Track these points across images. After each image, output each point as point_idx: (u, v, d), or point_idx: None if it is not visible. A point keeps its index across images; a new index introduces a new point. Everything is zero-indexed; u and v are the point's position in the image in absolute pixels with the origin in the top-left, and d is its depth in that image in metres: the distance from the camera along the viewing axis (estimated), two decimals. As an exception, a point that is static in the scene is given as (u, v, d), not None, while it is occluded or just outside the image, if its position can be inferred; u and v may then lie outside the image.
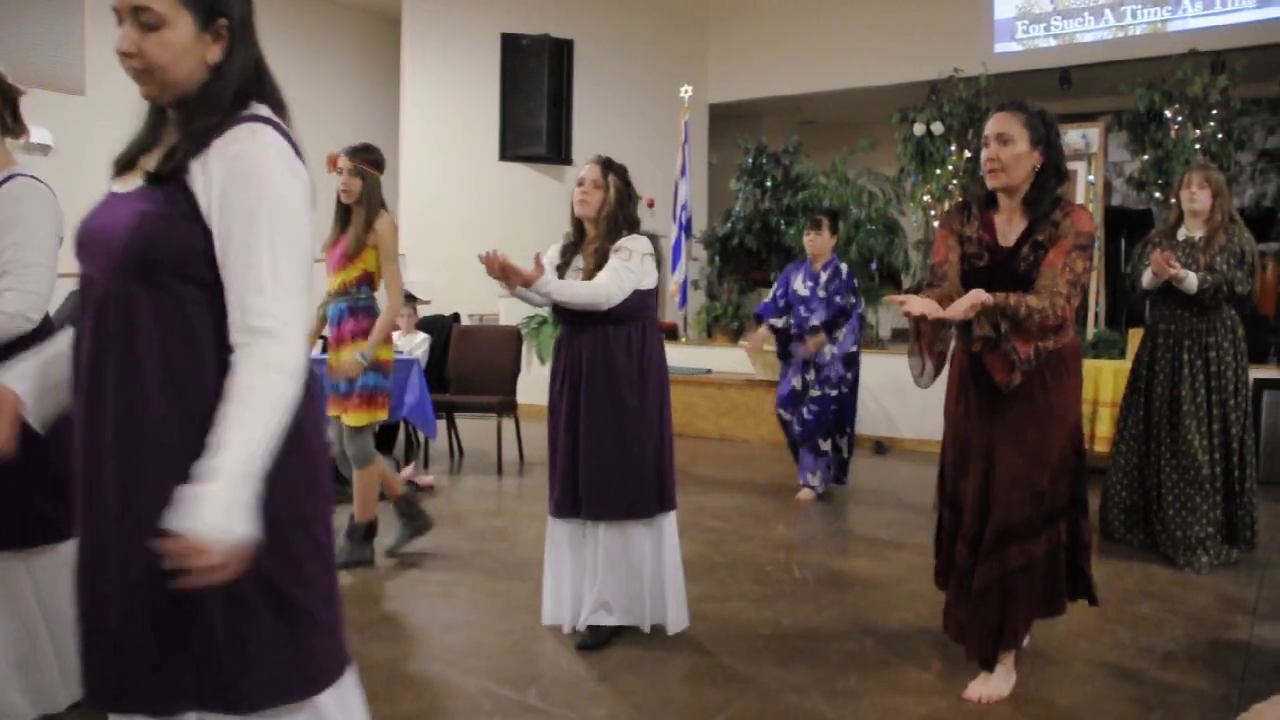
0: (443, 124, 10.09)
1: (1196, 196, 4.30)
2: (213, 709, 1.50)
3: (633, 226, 3.28)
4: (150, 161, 1.48)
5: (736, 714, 2.83)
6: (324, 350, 4.27)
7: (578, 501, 3.24)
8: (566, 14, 10.11)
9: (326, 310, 4.17)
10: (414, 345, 6.62)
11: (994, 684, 2.94)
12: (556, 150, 10.05)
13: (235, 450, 1.35)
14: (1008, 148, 2.74)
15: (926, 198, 8.25)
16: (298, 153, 1.52)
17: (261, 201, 1.43)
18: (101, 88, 8.57)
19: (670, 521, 3.35)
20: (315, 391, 1.61)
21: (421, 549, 4.53)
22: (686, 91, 9.07)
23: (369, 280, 4.08)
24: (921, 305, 2.65)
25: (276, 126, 1.50)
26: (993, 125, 2.78)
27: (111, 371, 1.44)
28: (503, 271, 2.92)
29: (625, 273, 3.16)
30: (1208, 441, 4.26)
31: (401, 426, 6.61)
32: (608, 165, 3.33)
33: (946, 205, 8.05)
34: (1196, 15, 8.18)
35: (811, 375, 5.59)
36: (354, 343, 4.06)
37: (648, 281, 3.26)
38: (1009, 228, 2.84)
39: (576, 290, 3.13)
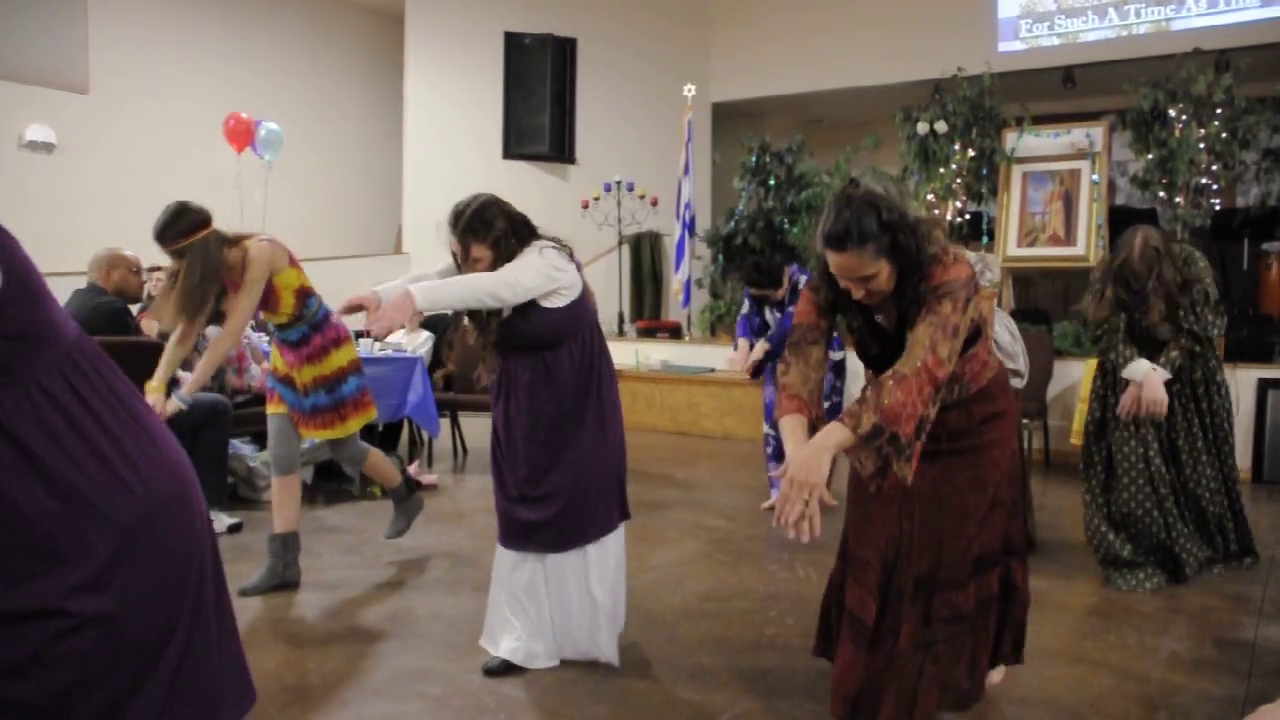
0: (446, 123, 10.10)
1: (1140, 274, 3.98)
2: None
3: (526, 238, 3.01)
4: None
5: (740, 714, 2.83)
6: (272, 377, 4.08)
7: (525, 533, 3.05)
8: (569, 13, 10.11)
9: (278, 338, 3.97)
10: (417, 344, 6.62)
11: None
12: (560, 149, 10.07)
13: None
14: (872, 282, 2.35)
15: (930, 197, 8.23)
16: None
17: None
18: (104, 86, 8.59)
19: (615, 539, 3.15)
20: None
21: (425, 547, 4.54)
22: (690, 90, 9.06)
23: (308, 293, 3.88)
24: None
25: None
26: (844, 269, 2.34)
27: None
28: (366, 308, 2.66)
29: (523, 267, 2.88)
30: (1211, 471, 4.11)
31: (405, 425, 6.62)
32: (472, 227, 2.94)
33: (950, 204, 8.05)
34: (1200, 14, 8.18)
35: None
36: (329, 355, 3.93)
37: (561, 297, 2.96)
38: (888, 314, 2.50)
39: (460, 285, 2.77)
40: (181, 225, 3.54)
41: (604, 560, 3.10)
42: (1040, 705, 2.90)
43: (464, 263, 2.96)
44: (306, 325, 3.89)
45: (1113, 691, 3.00)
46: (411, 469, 5.83)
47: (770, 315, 5.45)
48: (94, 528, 1.43)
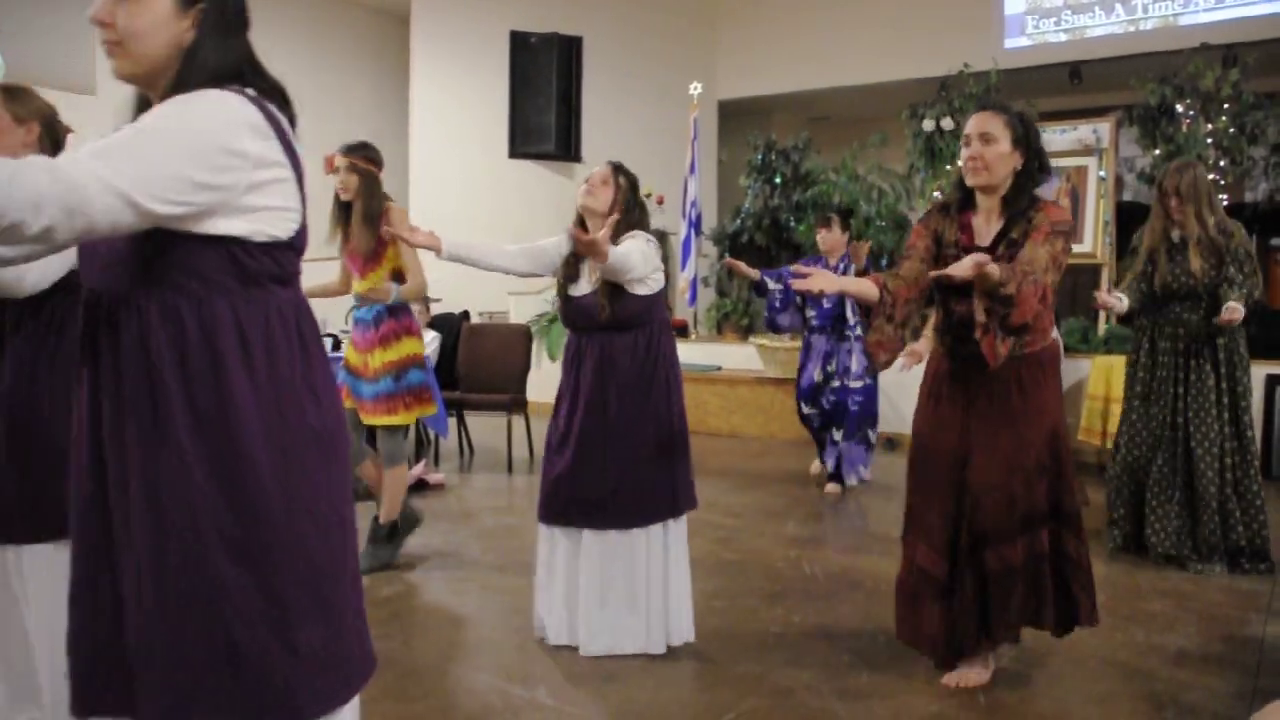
0: (452, 122, 10.10)
1: (1174, 210, 4.15)
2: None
3: (639, 226, 3.24)
4: None
5: (747, 712, 2.83)
6: (335, 348, 4.29)
7: (568, 508, 3.18)
8: (575, 11, 10.10)
9: (355, 313, 4.21)
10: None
11: (971, 673, 2.95)
12: (565, 147, 10.05)
13: None
14: (990, 147, 2.75)
15: (936, 194, 8.22)
16: (270, 121, 1.47)
17: (147, 117, 1.39)
18: (112, 88, 8.60)
19: (679, 528, 3.27)
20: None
21: (431, 546, 4.54)
22: (696, 88, 9.05)
23: (400, 278, 4.10)
24: (824, 281, 2.72)
25: (244, 95, 1.45)
26: (974, 124, 2.78)
27: (129, 385, 1.43)
28: None
29: (648, 249, 3.13)
30: (1213, 450, 4.17)
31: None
32: (618, 168, 3.28)
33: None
34: (1208, 9, 8.14)
35: (832, 367, 5.72)
36: (399, 341, 4.12)
37: (652, 284, 3.20)
38: (986, 228, 2.84)
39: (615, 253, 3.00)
40: (372, 152, 4.04)
41: (638, 549, 3.18)
42: (1047, 701, 2.90)
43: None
44: (385, 306, 4.10)
45: (1120, 689, 3.00)
46: (418, 469, 5.85)
47: (809, 307, 5.71)
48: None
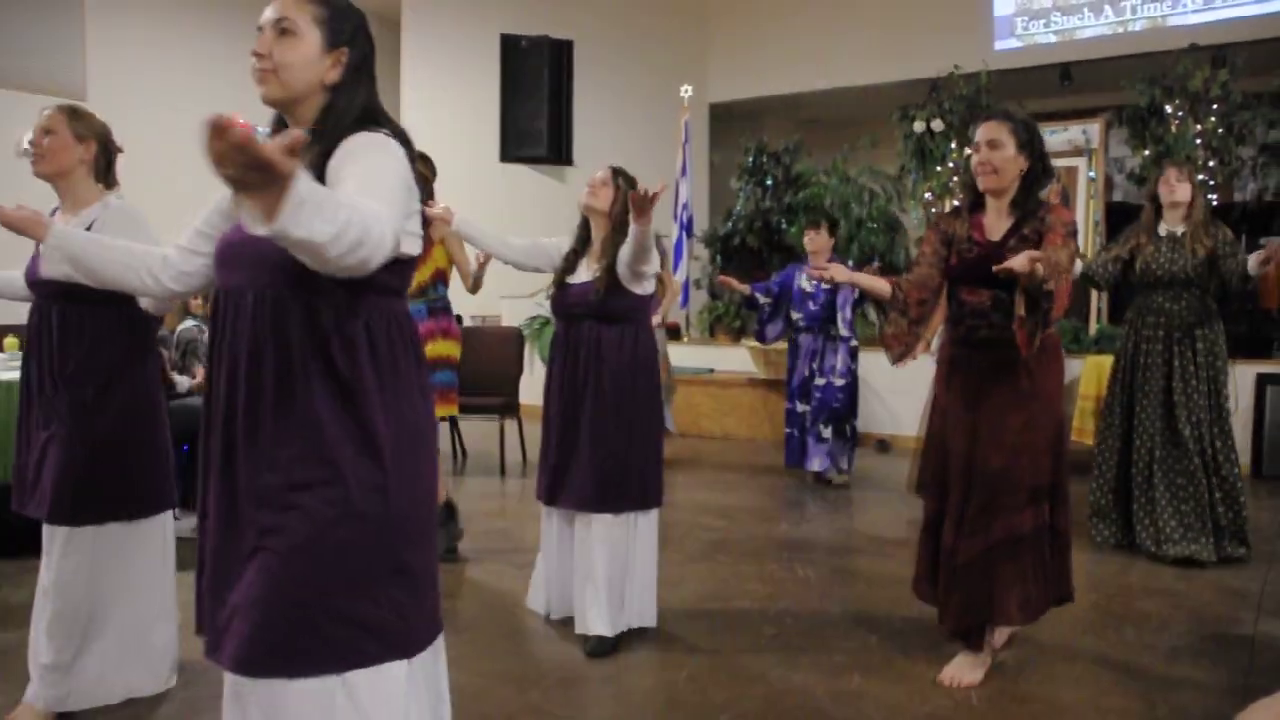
0: (443, 126, 10.08)
1: (1176, 189, 4.38)
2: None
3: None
4: None
5: (741, 713, 2.83)
6: None
7: (558, 489, 3.36)
8: (566, 15, 10.10)
9: None
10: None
11: (966, 670, 3.04)
12: (557, 151, 10.04)
13: (322, 191, 1.34)
14: (998, 152, 2.97)
15: (927, 195, 8.24)
16: (410, 154, 1.73)
17: (362, 156, 1.64)
18: (102, 94, 8.58)
19: (649, 520, 3.43)
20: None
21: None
22: (687, 91, 9.06)
23: (442, 278, 4.15)
24: (839, 272, 3.11)
25: (389, 134, 1.71)
26: (983, 132, 3.01)
27: (270, 372, 1.63)
28: None
29: (656, 252, 3.30)
30: (1198, 432, 4.32)
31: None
32: (618, 171, 3.45)
33: (947, 203, 8.05)
34: (1196, 10, 8.16)
35: (817, 364, 5.93)
36: (434, 341, 4.20)
37: (648, 285, 3.36)
38: (996, 225, 3.06)
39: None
40: (429, 161, 4.13)
41: (611, 534, 3.33)
42: (1040, 702, 2.90)
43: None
44: (425, 304, 4.18)
45: (1112, 687, 3.01)
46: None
47: (809, 283, 5.93)
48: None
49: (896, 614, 3.68)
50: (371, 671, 1.66)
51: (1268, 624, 3.57)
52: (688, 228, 9.21)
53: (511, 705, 2.88)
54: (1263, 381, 6.34)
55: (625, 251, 3.17)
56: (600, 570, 3.29)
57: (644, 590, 3.44)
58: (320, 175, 1.62)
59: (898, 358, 3.14)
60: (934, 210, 8.16)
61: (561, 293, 3.41)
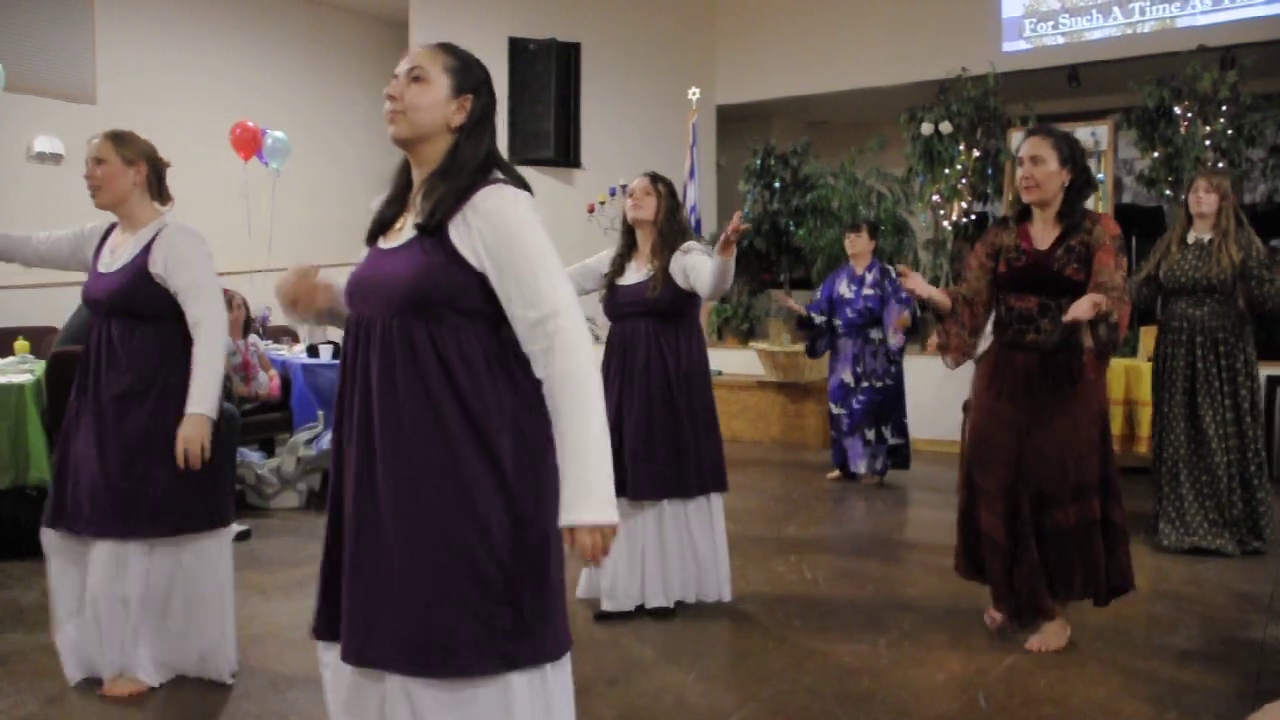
0: (451, 129, 10.11)
1: (1203, 200, 4.49)
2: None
3: (686, 233, 3.62)
4: (409, 221, 1.86)
5: (748, 716, 2.83)
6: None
7: (636, 480, 3.52)
8: (573, 17, 10.12)
9: None
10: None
11: (1051, 637, 3.27)
12: (565, 154, 10.05)
13: (581, 440, 1.68)
14: (1040, 167, 3.14)
15: (935, 197, 8.23)
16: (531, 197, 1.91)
17: (519, 238, 1.81)
18: (112, 96, 8.61)
19: (717, 502, 3.70)
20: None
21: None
22: (694, 93, 9.06)
23: None
24: (924, 288, 3.23)
25: (510, 183, 1.88)
26: (1026, 149, 3.19)
27: (402, 391, 1.78)
28: None
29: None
30: (1222, 430, 4.45)
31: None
32: (655, 177, 3.61)
33: (955, 205, 8.05)
34: (1205, 11, 8.14)
35: (861, 369, 6.05)
36: None
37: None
38: (1043, 234, 3.24)
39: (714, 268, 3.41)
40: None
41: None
42: (1049, 704, 2.90)
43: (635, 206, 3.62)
44: None
45: (1122, 690, 3.00)
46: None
47: (849, 288, 6.07)
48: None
49: (905, 617, 3.68)
50: (533, 674, 1.80)
51: (1277, 627, 3.56)
52: (696, 230, 9.22)
53: (519, 707, 2.87)
54: (1273, 384, 6.32)
55: (709, 278, 3.36)
56: (674, 549, 3.61)
57: (723, 565, 3.71)
58: (450, 210, 1.80)
59: (956, 363, 3.36)
60: (942, 213, 8.15)
61: (612, 294, 3.65)
